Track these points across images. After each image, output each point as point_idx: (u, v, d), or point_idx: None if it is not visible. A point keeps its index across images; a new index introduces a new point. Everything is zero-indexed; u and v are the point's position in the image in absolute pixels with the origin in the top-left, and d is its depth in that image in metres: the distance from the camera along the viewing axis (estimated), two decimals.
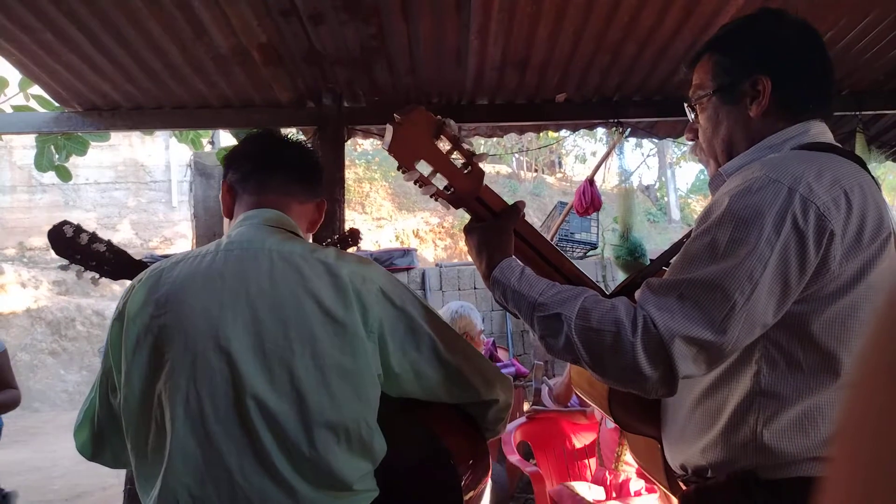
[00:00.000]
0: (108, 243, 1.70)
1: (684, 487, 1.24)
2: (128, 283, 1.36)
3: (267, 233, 1.28)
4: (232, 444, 1.15)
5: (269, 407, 1.15)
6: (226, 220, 1.42)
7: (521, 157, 17.18)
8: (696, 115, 1.28)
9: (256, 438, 1.14)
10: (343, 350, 1.19)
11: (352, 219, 12.41)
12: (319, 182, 1.47)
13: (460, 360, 1.32)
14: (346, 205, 3.38)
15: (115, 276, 1.70)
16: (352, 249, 2.78)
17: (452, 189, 1.21)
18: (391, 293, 1.27)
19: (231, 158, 1.42)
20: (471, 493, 1.40)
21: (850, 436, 0.33)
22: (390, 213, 14.04)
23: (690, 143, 1.32)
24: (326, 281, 1.21)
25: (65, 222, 1.65)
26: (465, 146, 1.19)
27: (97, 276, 1.70)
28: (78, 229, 1.65)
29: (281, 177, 1.38)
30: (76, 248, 1.65)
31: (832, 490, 0.34)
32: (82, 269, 1.68)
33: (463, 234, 1.30)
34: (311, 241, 1.44)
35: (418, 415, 1.37)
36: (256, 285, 1.20)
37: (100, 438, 1.32)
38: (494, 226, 1.24)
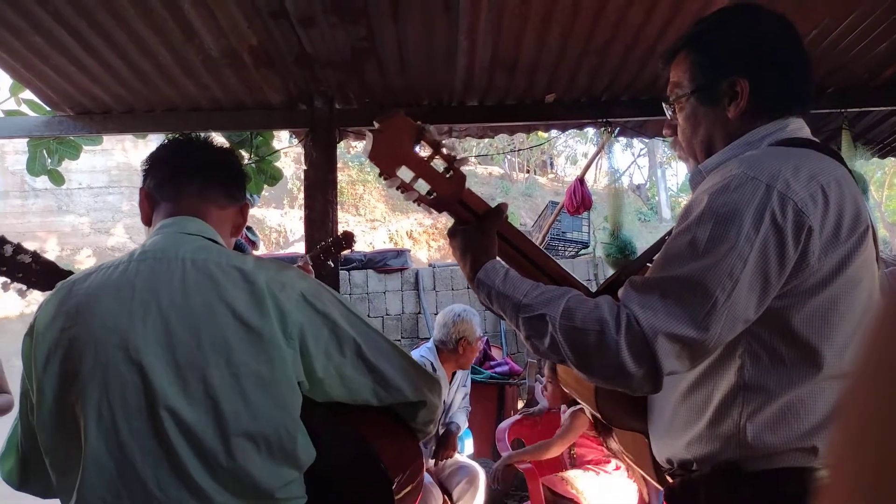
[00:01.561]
0: (34, 254, 1.68)
1: (670, 480, 1.26)
2: None
3: (182, 241, 1.25)
4: (147, 455, 1.13)
5: (183, 418, 1.13)
6: (145, 228, 1.39)
7: (513, 159, 17.22)
8: (675, 113, 1.28)
9: (172, 450, 1.13)
10: (259, 358, 1.17)
11: (345, 221, 12.40)
12: (240, 186, 1.44)
13: (385, 363, 1.31)
14: (339, 207, 3.39)
15: (43, 288, 1.68)
16: (345, 252, 2.80)
17: (435, 194, 1.21)
18: (313, 298, 1.25)
19: (148, 164, 1.38)
20: (404, 492, 1.40)
21: (855, 428, 0.33)
22: (384, 214, 14.04)
23: (670, 139, 1.33)
24: (242, 288, 1.19)
25: None
26: (446, 151, 1.19)
27: (24, 287, 1.69)
28: (2, 241, 1.64)
29: (199, 182, 1.35)
30: (0, 260, 1.64)
31: (836, 483, 0.33)
32: (9, 281, 1.66)
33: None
34: (233, 246, 1.41)
35: (346, 419, 1.35)
36: (168, 295, 1.18)
37: (25, 465, 1.30)
38: (478, 228, 1.24)
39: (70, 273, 1.66)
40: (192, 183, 1.34)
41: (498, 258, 1.22)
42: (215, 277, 1.20)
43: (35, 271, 1.68)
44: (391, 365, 1.32)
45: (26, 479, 1.32)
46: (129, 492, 1.12)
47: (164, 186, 1.35)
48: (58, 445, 1.19)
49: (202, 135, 1.46)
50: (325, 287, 1.32)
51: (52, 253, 11.14)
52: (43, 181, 3.84)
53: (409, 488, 1.43)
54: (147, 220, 1.38)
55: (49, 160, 3.59)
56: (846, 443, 0.34)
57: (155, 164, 1.38)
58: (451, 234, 1.28)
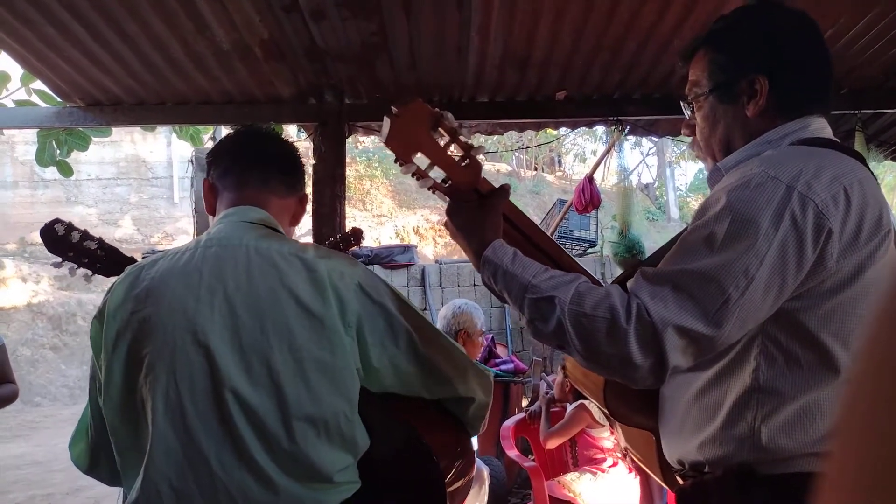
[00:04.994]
0: (100, 241, 1.73)
1: (681, 482, 1.24)
2: None
3: (245, 230, 1.29)
4: (211, 437, 1.16)
5: (247, 400, 1.16)
6: (210, 218, 1.44)
7: (521, 156, 17.20)
8: (693, 112, 1.27)
9: (235, 432, 1.15)
10: (321, 344, 1.20)
11: (352, 216, 12.41)
12: (300, 177, 1.48)
13: (438, 357, 1.33)
14: (347, 202, 3.39)
15: (108, 273, 1.71)
16: (353, 248, 2.79)
17: (450, 182, 1.20)
18: (370, 288, 1.28)
19: (212, 156, 1.43)
20: (455, 486, 1.41)
21: (853, 431, 0.33)
22: (391, 210, 14.05)
23: (688, 139, 1.31)
24: (304, 276, 1.22)
25: (56, 220, 1.67)
26: (463, 139, 1.18)
27: (90, 272, 1.73)
28: (69, 227, 1.67)
29: (259, 172, 1.39)
30: (68, 245, 1.68)
31: (833, 486, 0.33)
32: (75, 266, 1.70)
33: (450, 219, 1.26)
34: (294, 235, 1.45)
35: (400, 410, 1.37)
36: (233, 281, 1.21)
37: (95, 449, 1.33)
38: (485, 206, 1.22)
39: (132, 260, 1.71)
40: (252, 173, 1.39)
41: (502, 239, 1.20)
42: (278, 265, 1.23)
43: (100, 257, 1.73)
44: (444, 360, 1.34)
45: (95, 463, 1.35)
46: (194, 472, 1.16)
47: (227, 177, 1.40)
48: (124, 426, 1.22)
49: (264, 126, 1.51)
50: (380, 278, 1.34)
51: None
52: (52, 172, 3.85)
53: (460, 483, 1.44)
54: (211, 210, 1.43)
55: (58, 151, 3.59)
56: (849, 442, 0.33)
57: (218, 156, 1.43)
58: (453, 210, 1.25)
